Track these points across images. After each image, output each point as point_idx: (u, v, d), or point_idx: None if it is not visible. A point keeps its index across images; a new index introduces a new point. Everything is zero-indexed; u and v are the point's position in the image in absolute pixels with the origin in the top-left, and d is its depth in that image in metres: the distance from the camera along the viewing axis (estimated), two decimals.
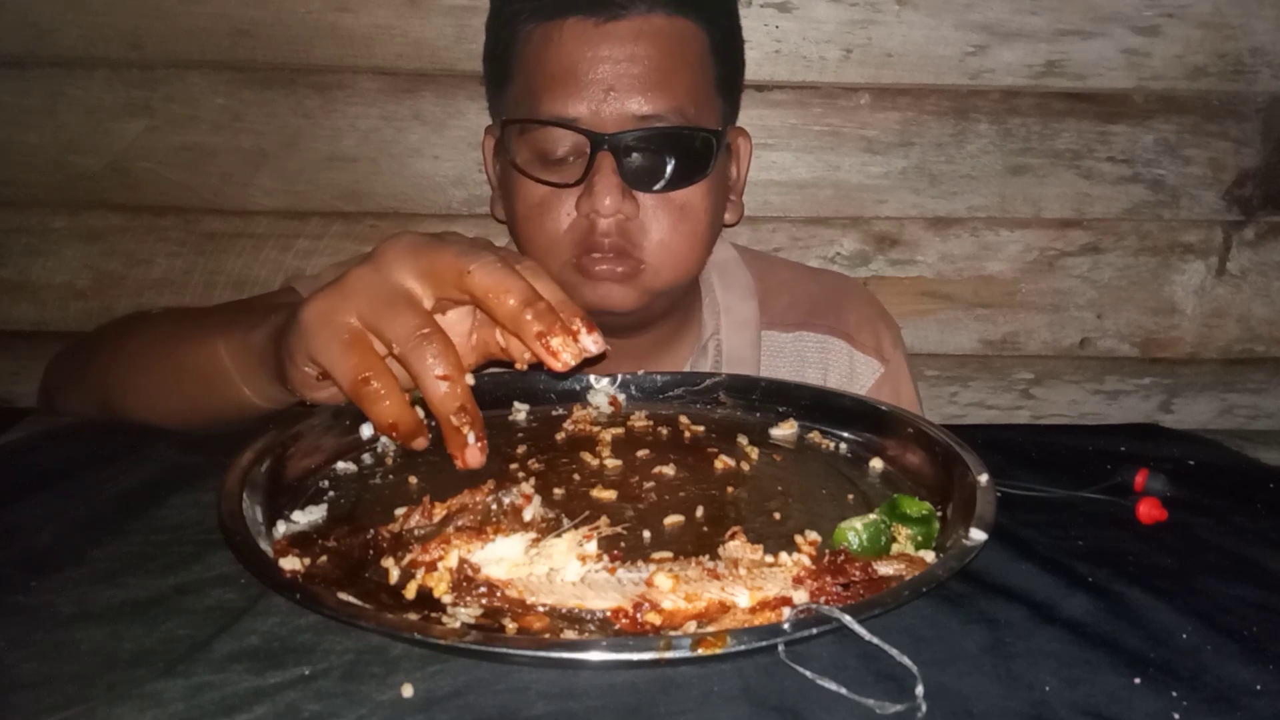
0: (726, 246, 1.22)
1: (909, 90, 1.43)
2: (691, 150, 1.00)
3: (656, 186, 0.99)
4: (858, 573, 0.57)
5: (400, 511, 0.65)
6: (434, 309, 0.68)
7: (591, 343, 0.66)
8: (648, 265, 1.00)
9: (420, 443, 0.71)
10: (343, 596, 0.55)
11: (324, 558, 0.60)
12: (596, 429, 0.85)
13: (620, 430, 0.86)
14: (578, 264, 1.00)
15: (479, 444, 0.67)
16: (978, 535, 0.59)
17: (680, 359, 1.17)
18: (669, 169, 0.99)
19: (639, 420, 0.88)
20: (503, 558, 0.58)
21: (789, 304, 1.21)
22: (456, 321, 0.73)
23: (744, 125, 1.14)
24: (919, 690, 0.48)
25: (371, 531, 0.62)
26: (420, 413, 0.69)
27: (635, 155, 0.98)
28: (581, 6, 0.97)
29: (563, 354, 0.65)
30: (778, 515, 0.69)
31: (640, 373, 0.95)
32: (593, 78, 0.96)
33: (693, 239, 1.02)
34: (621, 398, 0.93)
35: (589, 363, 0.69)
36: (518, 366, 0.72)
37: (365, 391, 0.67)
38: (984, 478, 0.67)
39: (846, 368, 1.19)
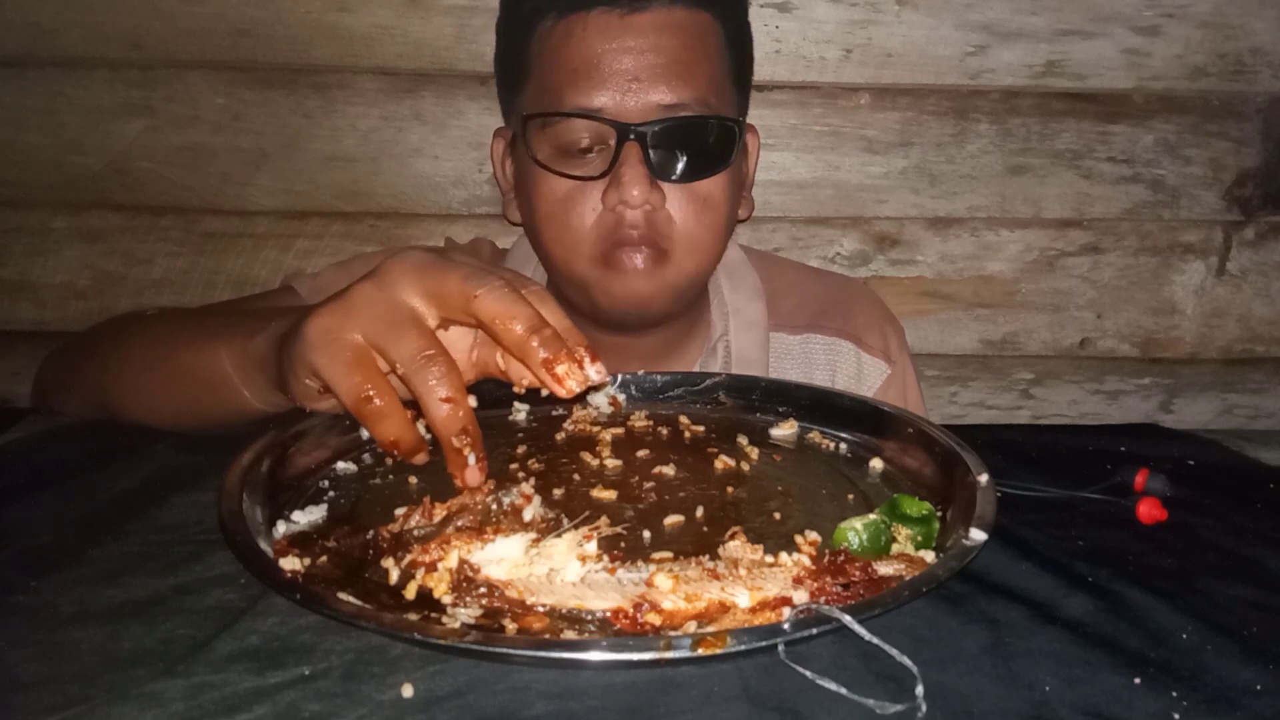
0: (733, 247, 1.22)
1: (909, 90, 1.43)
2: (715, 139, 1.01)
3: (682, 176, 0.99)
4: (858, 573, 0.57)
5: (400, 511, 0.65)
6: (437, 328, 0.68)
7: (595, 372, 0.66)
8: (674, 257, 1.00)
9: (421, 458, 0.71)
10: (343, 597, 0.55)
11: (324, 558, 0.60)
12: (596, 429, 0.85)
13: (620, 430, 0.86)
14: (604, 258, 1.00)
15: (479, 464, 0.67)
16: (978, 535, 0.59)
17: (689, 360, 1.17)
18: (694, 158, 0.99)
19: (639, 420, 0.88)
20: (503, 558, 0.58)
21: (796, 306, 1.21)
22: (458, 339, 0.72)
23: None
24: (919, 690, 0.48)
25: (371, 531, 0.63)
26: (421, 428, 0.70)
27: (661, 145, 0.98)
28: None
29: (568, 381, 0.65)
30: (778, 515, 0.69)
31: (640, 373, 0.95)
32: (617, 68, 0.97)
33: (714, 230, 1.03)
34: (621, 398, 0.93)
35: (591, 389, 0.69)
36: (516, 389, 0.72)
37: (368, 410, 0.67)
38: (984, 478, 0.67)
39: (854, 370, 1.19)
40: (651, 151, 0.96)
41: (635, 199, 0.95)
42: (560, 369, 0.65)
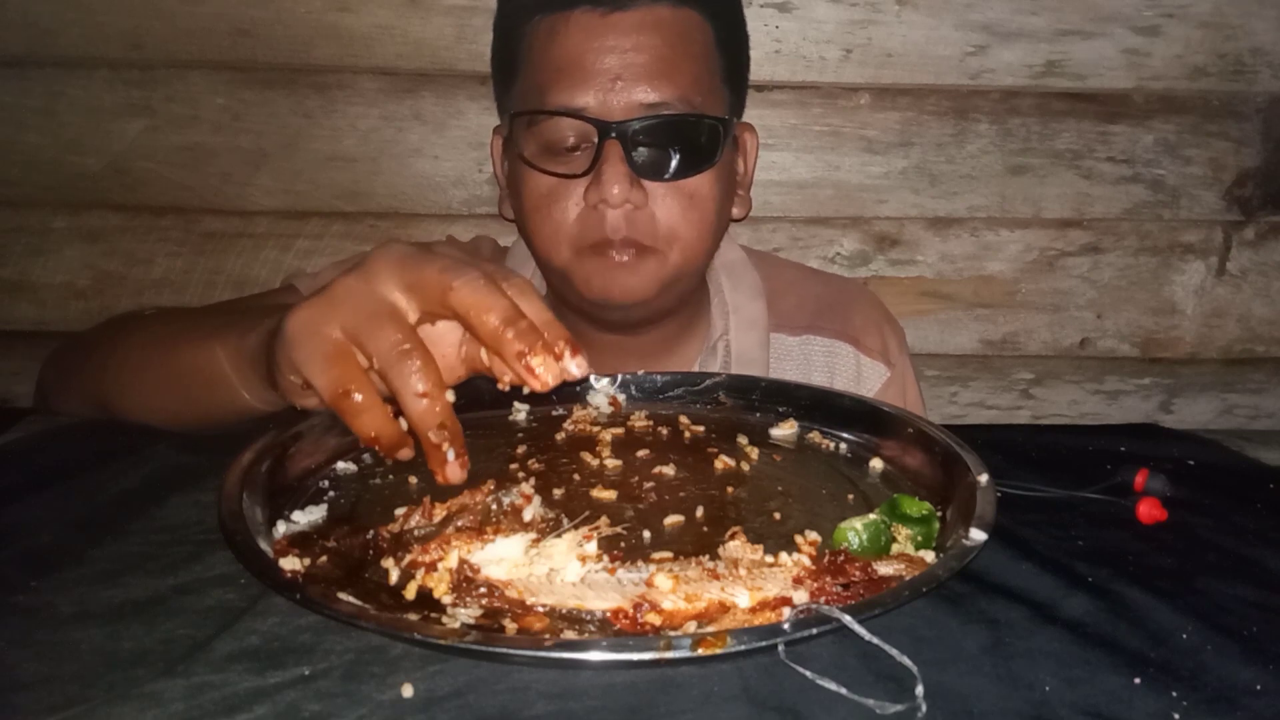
0: (734, 247, 1.22)
1: (909, 90, 1.43)
2: (699, 138, 1.01)
3: (665, 175, 0.99)
4: (858, 573, 0.57)
5: (400, 511, 0.65)
6: (419, 322, 0.67)
7: (575, 365, 0.64)
8: (657, 252, 1.00)
9: (405, 453, 0.69)
10: (343, 597, 0.55)
11: (324, 558, 0.60)
12: (596, 429, 0.85)
13: (620, 430, 0.86)
14: (587, 251, 1.00)
15: (459, 460, 0.66)
16: (978, 535, 0.59)
17: (689, 359, 1.17)
18: (677, 157, 0.99)
19: (639, 420, 0.88)
20: (503, 558, 0.58)
21: (796, 306, 1.21)
22: (447, 333, 0.71)
23: None
24: (919, 690, 0.48)
25: (371, 532, 0.63)
26: (403, 424, 0.69)
27: (643, 143, 0.98)
28: None
29: (543, 375, 0.63)
30: (778, 515, 0.69)
31: (640, 373, 0.95)
32: (599, 67, 0.97)
33: (701, 228, 1.02)
34: (621, 398, 0.93)
35: (577, 384, 0.67)
36: (499, 386, 0.71)
37: (346, 404, 0.66)
38: (984, 478, 0.67)
39: (853, 372, 1.19)
40: (633, 150, 0.97)
41: (615, 198, 0.95)
42: (534, 361, 0.62)
